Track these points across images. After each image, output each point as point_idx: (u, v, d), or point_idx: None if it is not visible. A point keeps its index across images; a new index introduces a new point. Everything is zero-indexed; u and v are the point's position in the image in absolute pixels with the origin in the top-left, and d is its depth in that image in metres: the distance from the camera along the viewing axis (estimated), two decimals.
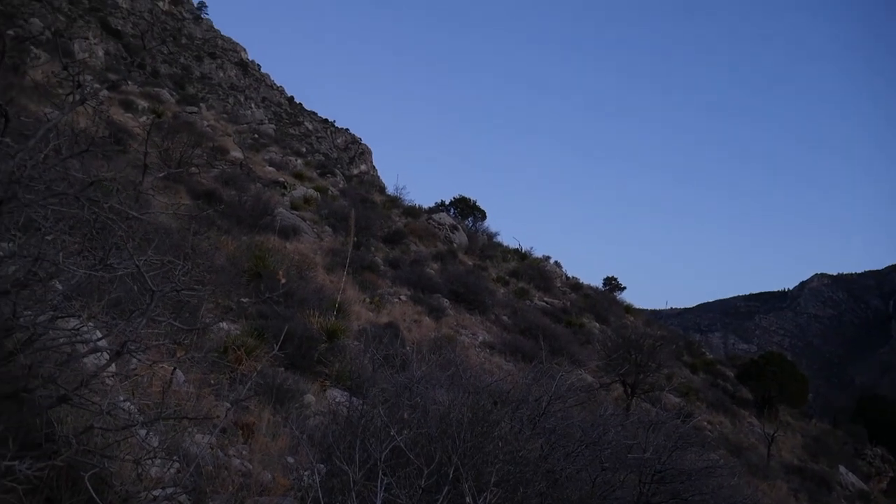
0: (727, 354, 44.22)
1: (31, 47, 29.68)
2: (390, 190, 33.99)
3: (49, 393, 2.43)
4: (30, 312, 2.47)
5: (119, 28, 54.66)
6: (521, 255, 29.73)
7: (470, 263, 25.58)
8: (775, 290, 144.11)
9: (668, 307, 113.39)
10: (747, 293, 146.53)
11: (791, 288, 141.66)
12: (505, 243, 31.26)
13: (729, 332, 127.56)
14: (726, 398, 24.11)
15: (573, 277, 30.67)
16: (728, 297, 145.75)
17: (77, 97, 2.54)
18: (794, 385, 26.27)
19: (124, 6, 62.72)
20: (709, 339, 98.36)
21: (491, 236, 31.59)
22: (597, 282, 33.81)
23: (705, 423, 19.63)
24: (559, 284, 28.54)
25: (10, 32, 33.16)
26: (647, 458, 5.50)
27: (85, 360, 2.92)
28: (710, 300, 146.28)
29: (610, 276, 35.59)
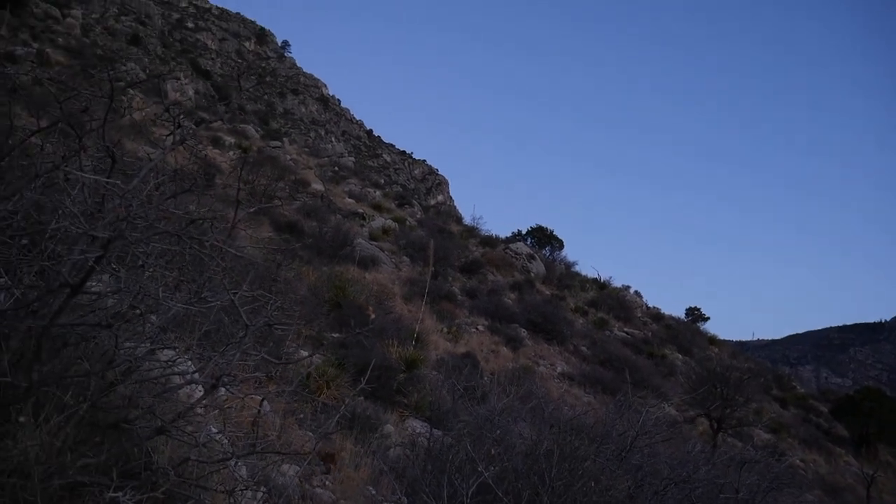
0: (819, 389, 42.09)
1: (129, 89, 31.39)
2: (467, 220, 34.18)
3: (148, 424, 2.51)
4: (130, 344, 2.57)
5: (208, 68, 57.25)
6: (600, 285, 29.26)
7: (548, 293, 25.33)
8: (871, 321, 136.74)
9: (755, 338, 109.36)
10: (840, 324, 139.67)
11: (888, 319, 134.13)
12: (583, 273, 30.87)
13: (821, 365, 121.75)
14: (820, 435, 22.93)
15: (654, 307, 29.94)
16: (819, 328, 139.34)
17: (177, 138, 2.66)
18: (895, 422, 24.79)
19: (213, 47, 65.74)
20: (799, 372, 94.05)
21: (569, 266, 31.26)
22: (679, 312, 32.89)
23: (798, 462, 18.69)
24: (639, 314, 27.91)
25: (112, 75, 35.11)
26: (740, 498, 5.26)
27: (179, 391, 3.01)
28: (800, 331, 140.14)
29: (692, 306, 34.54)
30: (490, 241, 29.36)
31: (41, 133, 3.15)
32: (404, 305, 18.00)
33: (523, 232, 34.52)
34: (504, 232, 38.88)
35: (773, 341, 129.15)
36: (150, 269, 2.47)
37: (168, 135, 2.82)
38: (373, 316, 11.91)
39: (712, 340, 29.28)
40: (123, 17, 56.70)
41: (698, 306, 34.75)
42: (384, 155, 69.53)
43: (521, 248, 28.86)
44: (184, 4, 73.31)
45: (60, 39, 41.07)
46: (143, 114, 30.33)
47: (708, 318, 33.93)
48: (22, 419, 2.23)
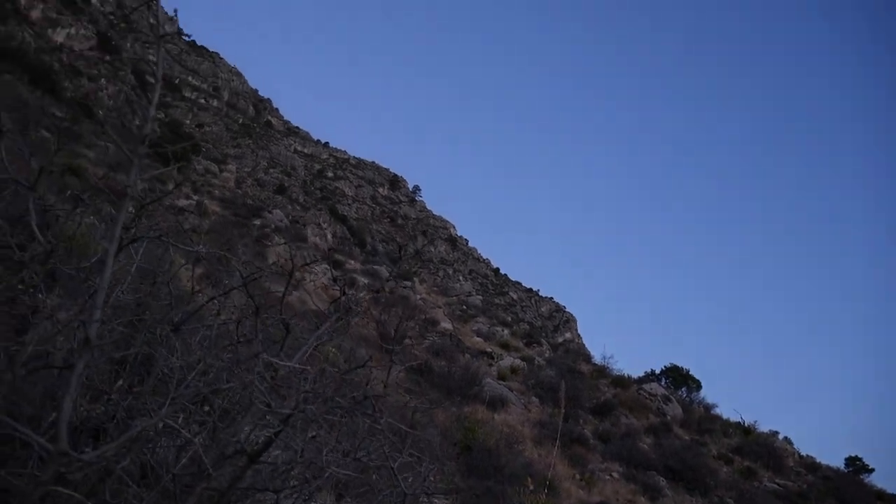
0: None
1: (275, 235, 33.89)
2: (597, 359, 33.34)
3: None
4: (289, 502, 2.70)
5: (345, 213, 60.94)
6: (745, 430, 27.33)
7: (686, 438, 23.92)
8: None
9: None
10: None
11: None
12: (725, 416, 29.01)
13: None
14: None
15: (808, 456, 27.48)
16: None
17: (343, 315, 2.91)
18: None
19: (350, 193, 70.22)
20: None
21: (708, 408, 29.54)
22: (837, 462, 29.96)
23: None
24: (792, 464, 25.66)
25: (257, 223, 38.18)
26: None
27: None
28: None
29: (853, 454, 31.40)
30: (622, 382, 28.40)
31: (203, 287, 3.50)
32: (535, 449, 17.54)
33: (657, 371, 33.20)
34: (636, 371, 37.51)
35: None
36: (319, 438, 2.63)
37: (335, 313, 3.07)
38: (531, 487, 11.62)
39: (880, 496, 26.28)
40: (271, 170, 62.05)
41: (860, 455, 31.53)
42: (511, 293, 70.08)
43: (656, 388, 27.71)
44: (325, 156, 79.47)
45: (217, 191, 45.33)
46: (286, 258, 32.35)
47: (872, 470, 30.63)
48: None
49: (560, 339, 57.84)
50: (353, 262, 38.16)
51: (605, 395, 26.03)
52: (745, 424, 27.99)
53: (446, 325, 29.15)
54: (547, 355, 31.27)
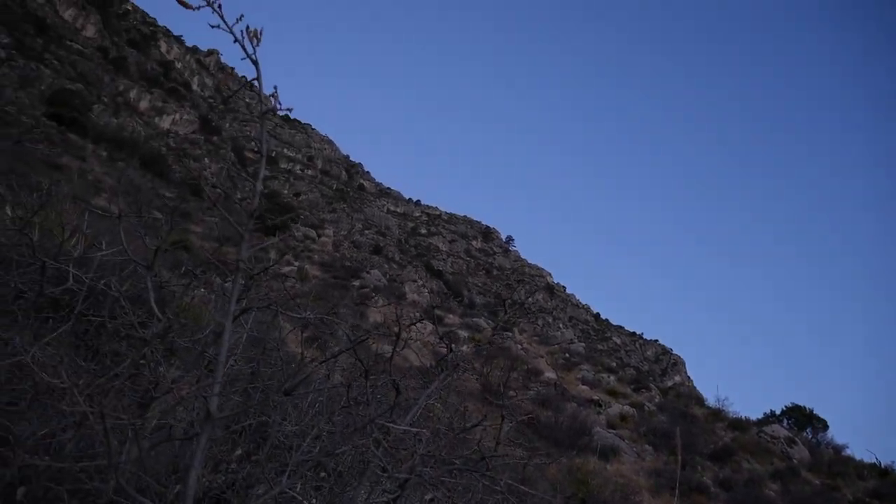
0: None
1: (373, 293, 34.50)
2: (710, 401, 31.89)
3: None
4: None
5: (440, 268, 61.52)
6: (881, 472, 25.32)
7: (817, 482, 22.38)
8: None
9: None
10: None
11: None
12: (857, 457, 27.01)
13: None
14: None
15: None
16: None
17: (451, 372, 2.90)
18: None
19: (444, 249, 70.95)
20: None
21: (838, 449, 27.61)
22: None
23: None
24: None
25: (356, 283, 39.02)
26: None
27: None
28: None
29: None
30: (740, 425, 27.00)
31: (308, 350, 3.55)
32: (652, 500, 16.81)
33: (777, 412, 31.45)
34: (754, 413, 35.67)
35: None
36: (437, 500, 2.60)
37: (441, 373, 3.07)
38: None
39: None
40: (367, 231, 63.61)
41: None
42: (614, 337, 68.47)
43: (778, 430, 26.18)
44: (417, 214, 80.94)
45: (316, 256, 46.74)
46: (391, 318, 32.75)
47: None
48: None
49: (669, 383, 55.77)
50: (452, 316, 38.27)
51: (723, 440, 24.77)
52: (882, 465, 25.97)
53: (550, 374, 28.64)
54: (657, 400, 30.15)
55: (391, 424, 2.18)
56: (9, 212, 6.90)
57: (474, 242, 77.19)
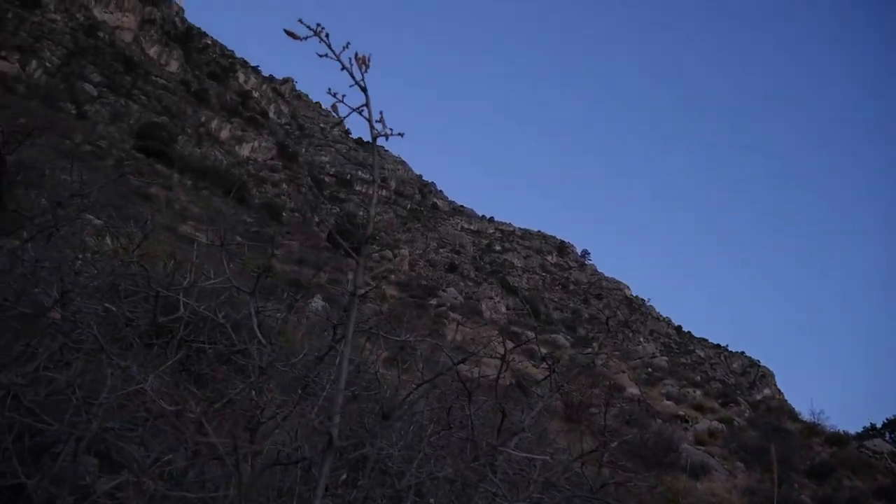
0: None
1: (450, 312, 34.63)
2: (804, 415, 30.51)
3: None
4: None
5: (516, 285, 61.29)
6: None
7: None
8: None
9: None
10: None
11: None
12: None
13: None
14: None
15: None
16: None
17: (554, 392, 2.85)
18: None
19: (519, 265, 70.72)
20: None
21: None
22: None
23: None
24: None
25: (433, 302, 39.26)
26: None
27: None
28: None
29: None
30: (839, 439, 25.70)
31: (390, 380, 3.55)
32: None
33: (877, 426, 29.82)
34: (853, 426, 34.00)
35: None
36: None
37: (539, 385, 3.02)
38: None
39: None
40: (441, 250, 64.02)
41: None
42: (697, 350, 66.63)
43: (881, 445, 24.81)
44: (491, 230, 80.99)
45: (393, 276, 47.26)
46: (463, 335, 32.76)
47: None
48: None
49: (758, 397, 53.74)
50: (529, 332, 37.97)
51: (821, 456, 23.63)
52: None
53: (633, 390, 28.02)
54: (747, 415, 29.07)
55: (513, 451, 2.14)
56: (109, 242, 7.21)
57: (549, 257, 76.66)
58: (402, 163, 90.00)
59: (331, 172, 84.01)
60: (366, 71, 1.59)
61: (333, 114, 1.64)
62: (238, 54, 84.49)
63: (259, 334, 2.64)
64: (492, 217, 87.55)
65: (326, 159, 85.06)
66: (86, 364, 2.93)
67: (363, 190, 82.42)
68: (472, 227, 79.35)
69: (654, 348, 58.88)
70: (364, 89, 1.62)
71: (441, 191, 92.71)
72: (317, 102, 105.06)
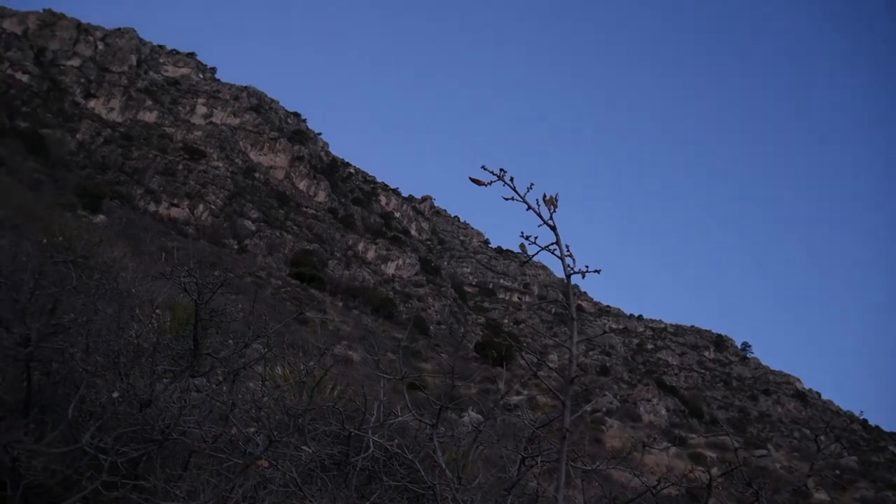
0: None
1: (606, 418, 33.38)
2: None
3: None
4: None
5: (673, 384, 58.34)
6: None
7: None
8: None
9: None
10: None
11: None
12: None
13: None
14: None
15: None
16: None
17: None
18: None
19: (674, 363, 67.58)
20: None
21: None
22: None
23: None
24: None
25: (588, 408, 38.03)
26: None
27: None
28: None
29: None
30: None
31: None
32: None
33: None
34: None
35: None
36: None
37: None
38: None
39: None
40: (591, 353, 62.44)
41: None
42: (890, 447, 59.80)
43: None
44: (640, 329, 78.46)
45: (545, 384, 46.35)
46: (622, 440, 31.40)
47: None
48: None
49: None
50: (694, 435, 35.69)
51: None
52: None
53: (820, 496, 25.40)
54: None
55: None
56: (280, 371, 7.59)
57: (706, 353, 72.75)
58: (544, 267, 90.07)
59: (473, 283, 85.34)
60: (554, 211, 1.62)
61: (523, 254, 1.68)
62: (379, 179, 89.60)
63: (443, 464, 2.64)
64: (640, 315, 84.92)
65: (468, 270, 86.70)
66: (279, 498, 3.05)
67: (506, 298, 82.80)
68: (619, 327, 77.17)
69: (838, 447, 53.49)
70: (553, 228, 1.65)
71: (585, 292, 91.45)
72: (455, 216, 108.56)
